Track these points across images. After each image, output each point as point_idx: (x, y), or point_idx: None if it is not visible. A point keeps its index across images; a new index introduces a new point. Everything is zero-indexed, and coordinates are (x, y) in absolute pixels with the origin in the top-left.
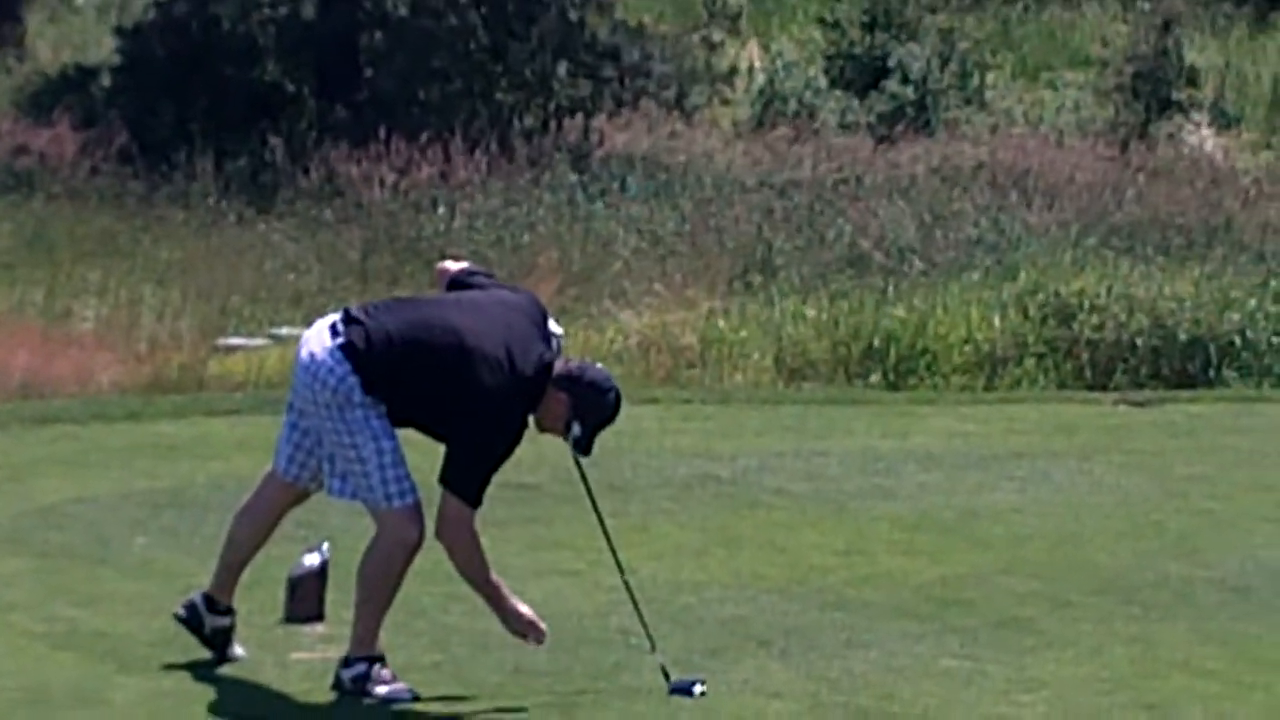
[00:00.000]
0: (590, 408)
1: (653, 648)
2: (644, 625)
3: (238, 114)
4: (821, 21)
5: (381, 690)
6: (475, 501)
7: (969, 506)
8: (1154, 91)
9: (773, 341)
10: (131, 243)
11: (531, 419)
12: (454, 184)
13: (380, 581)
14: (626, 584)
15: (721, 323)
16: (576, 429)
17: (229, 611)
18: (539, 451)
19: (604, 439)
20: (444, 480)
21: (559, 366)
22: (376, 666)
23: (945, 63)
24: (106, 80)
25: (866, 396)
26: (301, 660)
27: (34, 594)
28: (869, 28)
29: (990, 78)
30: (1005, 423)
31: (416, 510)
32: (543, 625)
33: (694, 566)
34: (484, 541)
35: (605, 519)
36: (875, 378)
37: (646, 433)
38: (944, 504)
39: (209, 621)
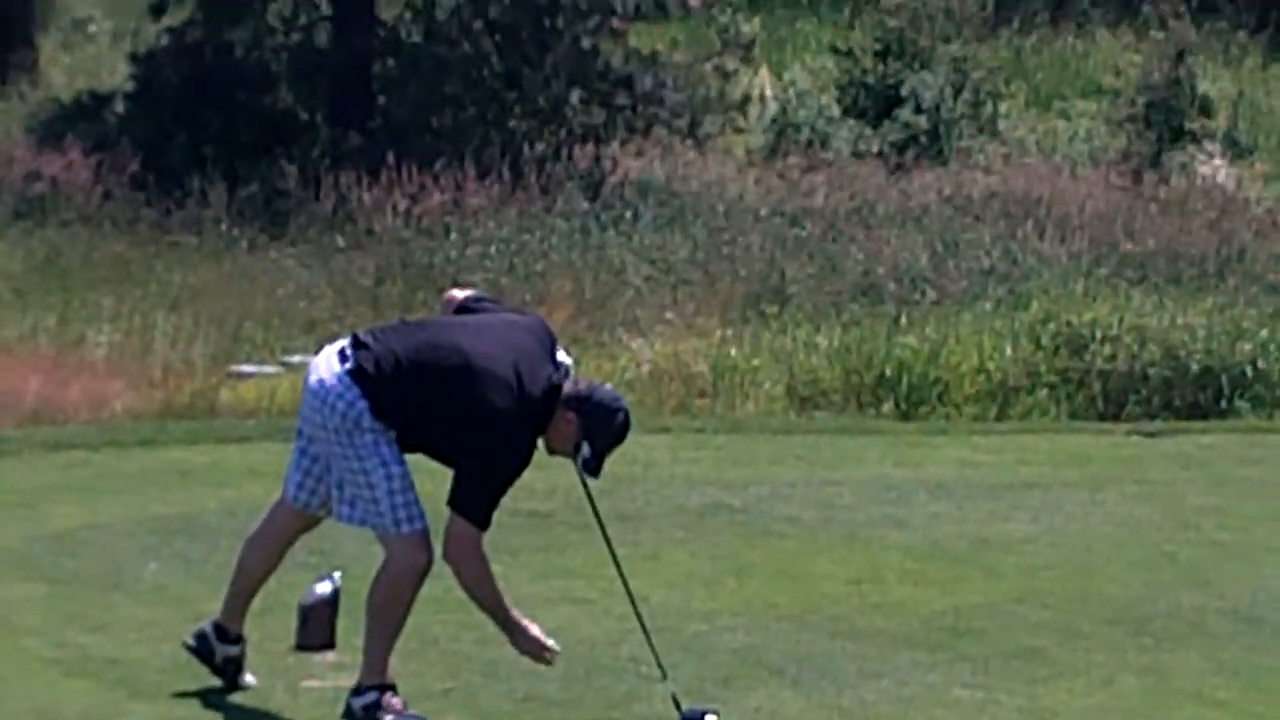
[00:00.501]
0: (600, 428)
1: (664, 676)
2: (655, 654)
3: (251, 140)
4: (834, 50)
5: (392, 719)
6: (484, 523)
7: (981, 536)
8: (1167, 121)
9: (785, 370)
10: (144, 269)
11: (540, 440)
12: (466, 211)
13: (390, 607)
14: (637, 612)
15: (734, 351)
16: (586, 450)
17: (239, 640)
18: (551, 479)
19: (615, 468)
20: (452, 503)
21: (568, 387)
22: (388, 694)
23: (958, 92)
24: (120, 106)
25: (879, 426)
26: (312, 688)
27: (46, 620)
28: (882, 56)
29: (1003, 107)
30: (1017, 453)
31: (425, 536)
32: (553, 644)
33: (705, 595)
34: (496, 569)
35: (615, 547)
36: (887, 407)
37: (658, 461)
38: (956, 534)
39: (220, 651)
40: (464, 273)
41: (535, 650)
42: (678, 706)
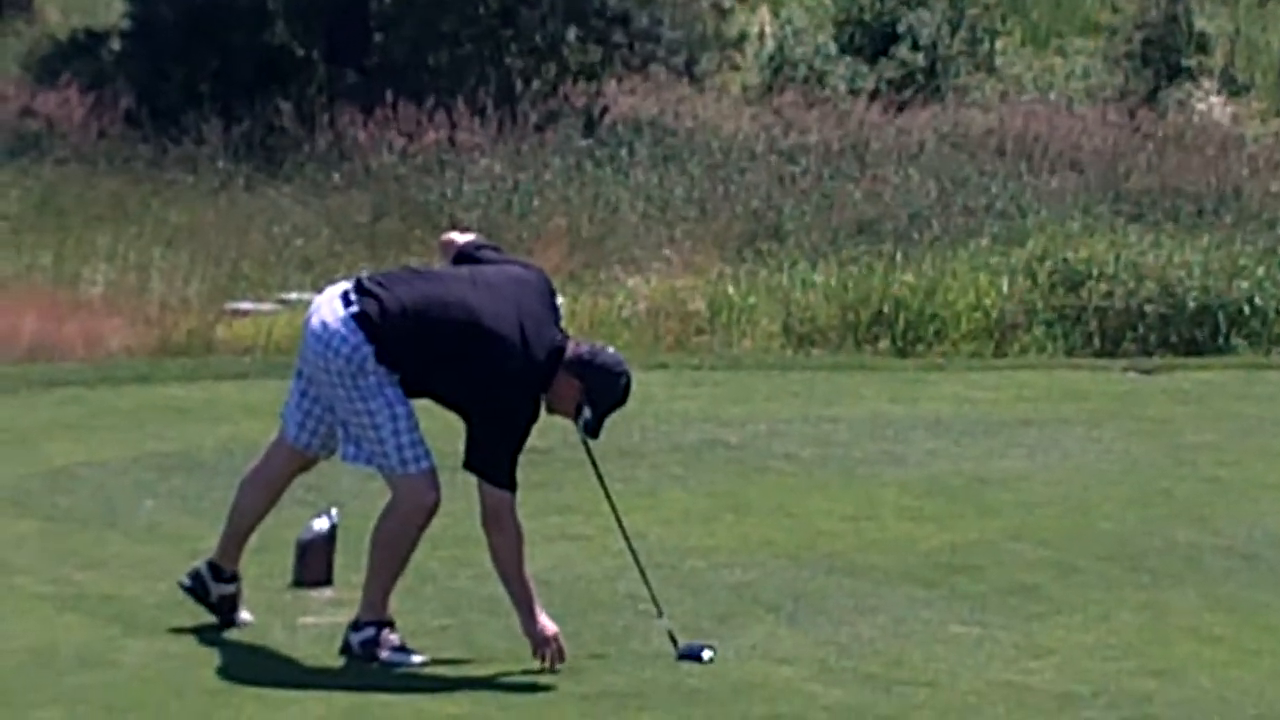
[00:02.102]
0: (601, 392)
1: (660, 613)
2: (650, 591)
3: (246, 78)
4: None
5: (389, 655)
6: (511, 486)
7: (978, 473)
8: (1163, 58)
9: (781, 307)
10: (141, 207)
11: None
12: (462, 148)
13: (395, 546)
14: (633, 551)
15: (730, 289)
16: (587, 413)
17: (234, 578)
18: (548, 417)
19: None
20: (472, 467)
21: (570, 350)
22: (385, 631)
23: (955, 29)
24: (115, 44)
25: (875, 363)
26: (310, 624)
27: (41, 557)
28: None
29: (1000, 44)
30: (1014, 389)
31: (432, 474)
32: (562, 645)
33: (702, 532)
34: None
35: (612, 484)
36: (884, 344)
37: (655, 398)
38: (953, 470)
39: (215, 589)
40: (460, 210)
41: (541, 641)
42: (674, 643)
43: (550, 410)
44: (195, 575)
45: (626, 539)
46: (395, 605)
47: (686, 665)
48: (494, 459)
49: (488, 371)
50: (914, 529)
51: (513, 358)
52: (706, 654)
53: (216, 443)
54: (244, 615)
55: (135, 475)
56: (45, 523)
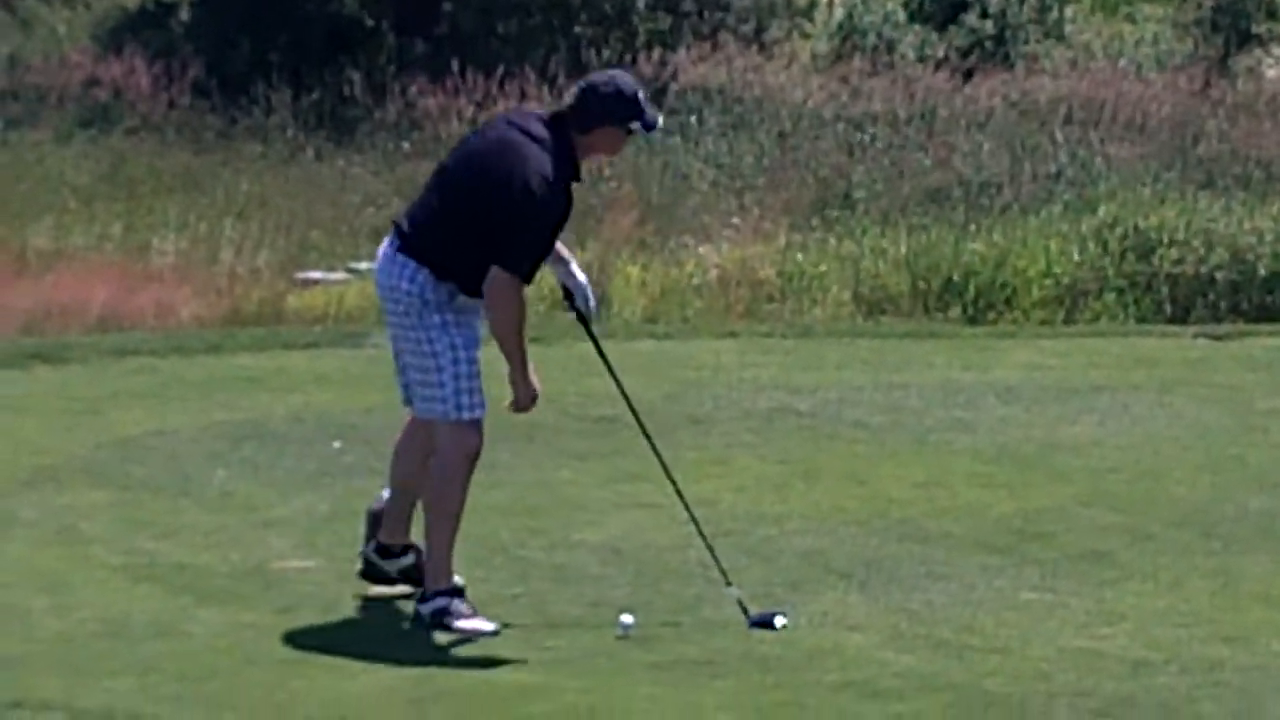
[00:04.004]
0: (625, 107)
1: (728, 583)
2: (715, 560)
3: (316, 48)
4: None
5: (462, 624)
6: (525, 276)
7: (1049, 440)
8: (1234, 25)
9: (851, 275)
10: (210, 177)
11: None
12: None
13: (446, 498)
14: (688, 509)
15: (800, 256)
16: (637, 126)
17: (406, 550)
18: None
19: (684, 372)
20: (495, 260)
21: (561, 116)
22: (456, 600)
23: None
24: (184, 14)
25: (946, 330)
26: (380, 594)
27: (114, 527)
28: None
29: (1069, 11)
30: (1085, 356)
31: (479, 425)
32: (533, 403)
33: (774, 499)
34: (564, 474)
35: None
36: (955, 312)
37: (726, 366)
38: (1024, 437)
39: (389, 566)
40: None
41: (522, 394)
42: (745, 611)
43: (606, 156)
44: (366, 562)
45: (670, 476)
46: (466, 574)
47: (758, 633)
48: (517, 253)
49: (510, 185)
50: (985, 496)
51: (523, 161)
52: (779, 621)
53: (287, 412)
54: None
55: (207, 445)
56: (118, 492)
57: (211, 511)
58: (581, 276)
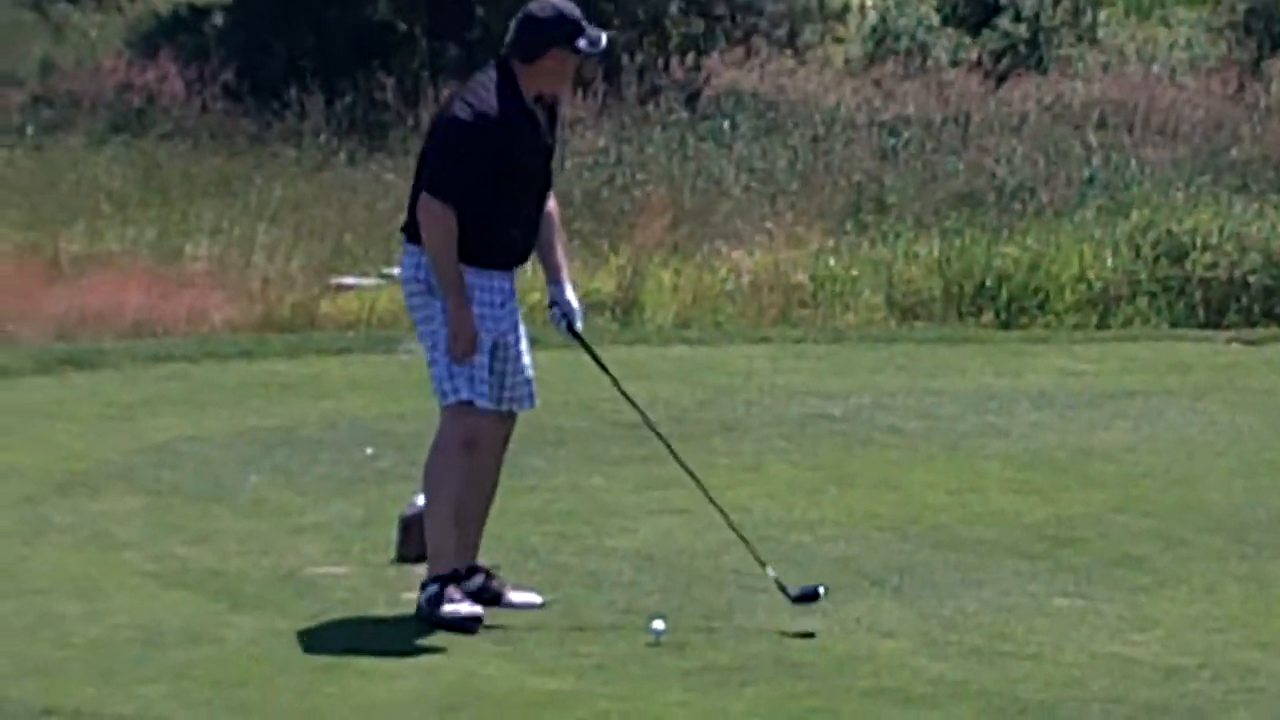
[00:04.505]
0: (567, 27)
1: (762, 564)
2: (747, 543)
3: (349, 53)
4: None
5: (446, 609)
6: (439, 191)
7: (1082, 445)
8: (1267, 28)
9: (884, 280)
10: (243, 181)
11: (554, 93)
12: (565, 122)
13: (441, 483)
14: (699, 484)
15: (833, 261)
16: (582, 44)
17: (473, 571)
18: (652, 390)
19: (717, 378)
20: (421, 186)
21: (505, 55)
22: (450, 587)
23: (1058, 0)
24: (218, 19)
25: (979, 335)
26: (413, 600)
27: (147, 532)
28: None
29: (1103, 15)
30: (1118, 361)
31: (471, 407)
32: (469, 351)
33: (807, 504)
34: (597, 480)
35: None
36: (988, 316)
37: (759, 372)
38: (1057, 443)
39: (465, 589)
40: (562, 183)
41: (463, 337)
42: (784, 590)
43: (547, 91)
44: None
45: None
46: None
47: (790, 640)
48: (437, 177)
49: (436, 133)
50: (1018, 502)
51: (461, 103)
52: (821, 589)
53: (320, 418)
54: (514, 596)
55: (240, 450)
56: (151, 498)
57: (244, 517)
58: (571, 294)
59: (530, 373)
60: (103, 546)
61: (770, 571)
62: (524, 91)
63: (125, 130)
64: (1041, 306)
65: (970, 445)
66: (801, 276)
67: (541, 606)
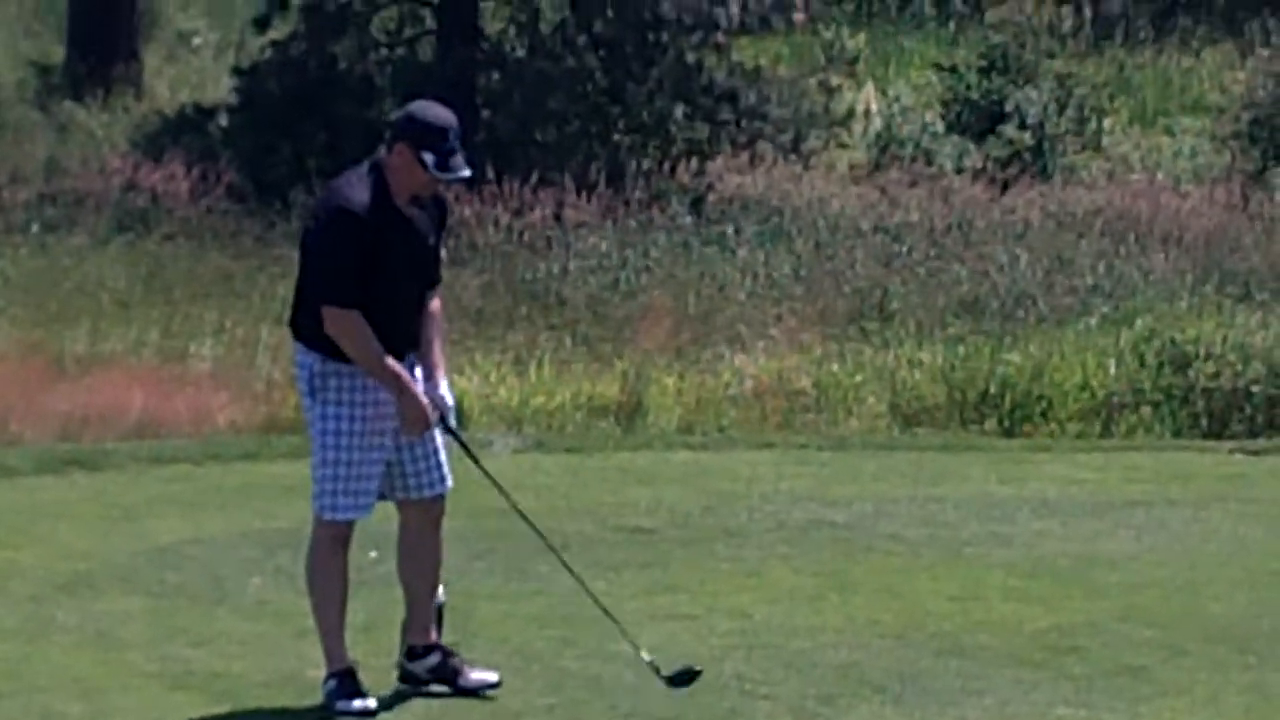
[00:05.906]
0: (421, 129)
1: (637, 648)
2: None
3: (354, 154)
4: (939, 66)
5: (342, 705)
6: (343, 300)
7: (1085, 554)
8: (1271, 138)
9: (888, 387)
10: (248, 282)
11: (411, 197)
12: (569, 226)
13: (315, 580)
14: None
15: (836, 367)
16: (429, 158)
17: (429, 650)
18: (656, 494)
19: (719, 484)
20: (316, 298)
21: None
22: (344, 681)
23: (1062, 108)
24: (223, 119)
25: (982, 443)
26: (416, 707)
27: (149, 634)
28: (986, 73)
29: (1107, 123)
30: (1121, 470)
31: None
32: (425, 428)
33: (808, 611)
34: (599, 585)
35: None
36: (991, 424)
37: (761, 477)
38: (1059, 551)
39: (418, 668)
40: (566, 287)
41: (416, 418)
42: (657, 672)
43: (419, 195)
44: (401, 668)
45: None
46: (505, 684)
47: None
48: (323, 285)
49: (308, 237)
50: (1021, 610)
51: (327, 205)
52: (697, 668)
53: None
54: (473, 675)
55: (243, 552)
56: (153, 599)
57: (247, 619)
58: (447, 390)
59: (441, 455)
60: (106, 647)
61: (645, 655)
62: (390, 185)
63: (130, 230)
64: (1045, 414)
65: (972, 553)
66: (805, 382)
67: (497, 685)
